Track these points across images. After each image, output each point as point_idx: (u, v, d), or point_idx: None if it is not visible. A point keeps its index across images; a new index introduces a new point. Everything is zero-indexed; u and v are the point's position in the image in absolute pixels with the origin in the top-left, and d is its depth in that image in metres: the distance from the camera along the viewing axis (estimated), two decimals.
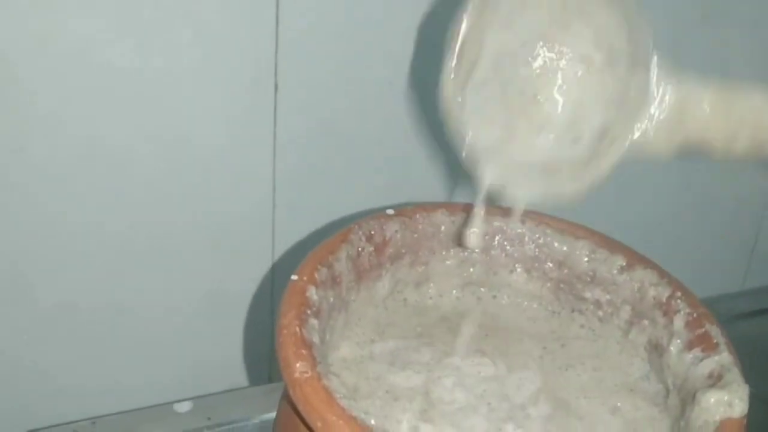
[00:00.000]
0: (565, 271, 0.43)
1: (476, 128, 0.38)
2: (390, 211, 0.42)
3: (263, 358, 0.63)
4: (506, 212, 0.44)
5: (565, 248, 0.43)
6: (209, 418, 0.55)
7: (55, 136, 0.50)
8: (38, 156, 0.50)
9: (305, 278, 0.37)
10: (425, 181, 0.61)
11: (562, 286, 0.44)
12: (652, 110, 0.37)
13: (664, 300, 0.40)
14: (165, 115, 0.52)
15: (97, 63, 0.49)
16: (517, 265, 0.44)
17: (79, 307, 0.56)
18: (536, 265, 0.44)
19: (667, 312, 0.40)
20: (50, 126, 0.50)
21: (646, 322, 0.41)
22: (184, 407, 0.56)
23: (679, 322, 0.39)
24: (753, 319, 0.73)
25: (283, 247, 0.59)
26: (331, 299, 0.38)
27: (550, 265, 0.44)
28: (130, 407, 0.58)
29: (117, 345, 0.58)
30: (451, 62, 0.37)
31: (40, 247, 0.53)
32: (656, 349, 0.40)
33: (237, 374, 0.62)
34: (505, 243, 0.44)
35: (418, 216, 0.43)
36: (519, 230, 0.44)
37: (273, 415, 0.55)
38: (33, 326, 0.55)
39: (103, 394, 0.59)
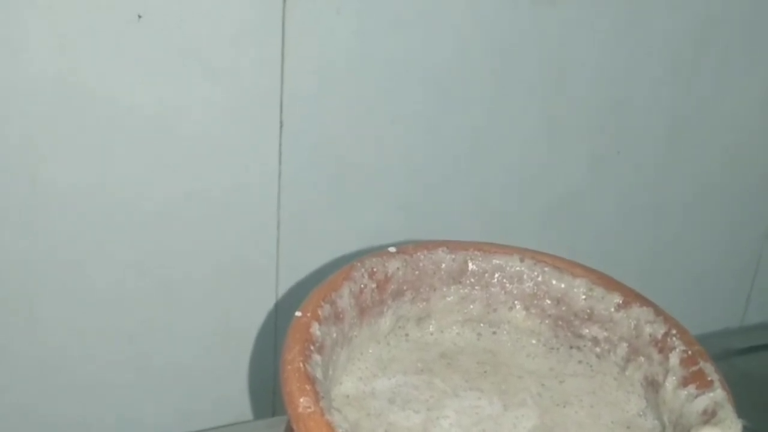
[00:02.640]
0: (563, 308, 0.44)
1: None
2: (392, 249, 0.43)
3: (267, 392, 0.63)
4: (505, 250, 0.45)
5: (562, 286, 0.44)
6: None
7: (63, 169, 0.51)
8: (47, 189, 0.52)
9: (309, 314, 0.38)
10: (427, 218, 0.62)
11: (560, 323, 0.45)
12: None
13: (659, 337, 0.41)
14: (171, 150, 0.53)
15: (104, 99, 0.51)
16: (516, 302, 0.45)
17: (84, 341, 0.56)
18: (535, 302, 0.45)
19: (663, 349, 0.41)
20: (59, 159, 0.51)
21: (642, 358, 0.42)
22: None
23: (674, 359, 0.40)
24: (752, 354, 0.74)
25: (286, 282, 0.60)
26: (335, 335, 0.39)
27: (549, 302, 0.45)
28: None
29: (121, 378, 0.58)
30: None
31: (47, 278, 0.54)
32: (652, 386, 0.41)
33: (241, 408, 0.63)
34: (504, 280, 0.45)
35: (419, 254, 0.44)
36: (518, 268, 0.45)
37: None
38: (39, 359, 0.56)
39: (107, 428, 0.59)
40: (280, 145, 0.56)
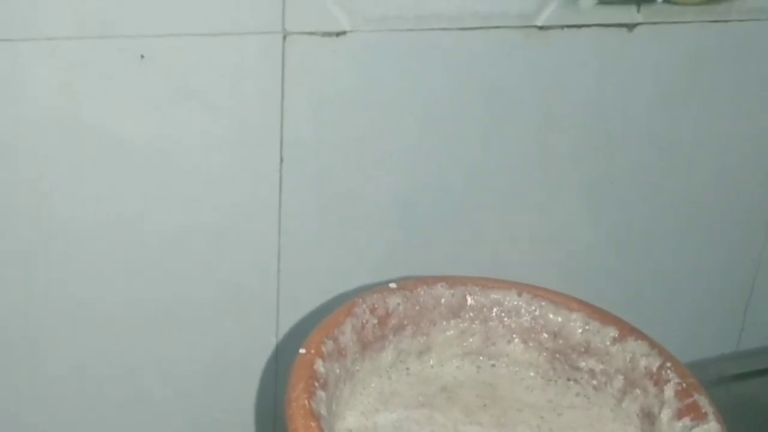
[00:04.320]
0: (560, 341, 0.45)
1: None
2: (393, 285, 0.44)
3: (267, 424, 0.64)
4: (503, 285, 0.46)
5: (559, 320, 0.45)
6: None
7: (64, 204, 0.52)
8: (49, 224, 0.52)
9: (313, 351, 0.39)
10: (424, 252, 0.63)
11: (557, 356, 0.46)
12: None
13: (654, 370, 0.42)
14: (172, 186, 0.54)
15: (107, 136, 0.51)
16: (514, 336, 0.46)
17: (87, 372, 0.57)
18: (532, 335, 0.46)
19: (658, 382, 0.42)
20: (61, 194, 0.52)
21: (638, 391, 0.43)
22: None
23: (669, 391, 0.41)
24: (747, 380, 0.74)
25: (286, 315, 0.60)
26: (338, 371, 0.40)
27: (546, 335, 0.46)
28: None
29: (120, 411, 0.59)
30: None
31: (48, 313, 0.54)
32: (648, 417, 0.42)
33: None
34: (503, 314, 0.46)
35: (419, 289, 0.45)
36: (515, 302, 0.46)
37: None
38: (40, 390, 0.56)
39: None
40: (281, 180, 0.57)
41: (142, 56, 0.51)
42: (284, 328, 0.61)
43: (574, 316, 0.45)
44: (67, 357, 0.56)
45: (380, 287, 0.44)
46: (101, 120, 0.51)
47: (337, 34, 0.55)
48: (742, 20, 0.66)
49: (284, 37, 0.53)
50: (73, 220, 0.53)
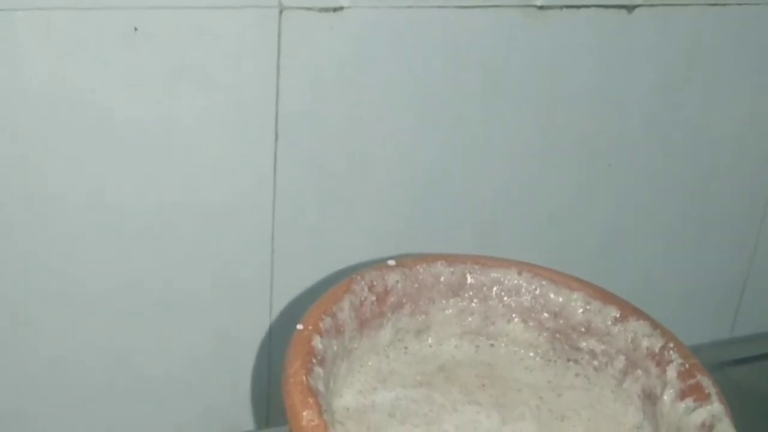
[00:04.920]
0: (561, 321, 0.45)
1: None
2: (391, 262, 0.43)
3: (262, 404, 0.63)
4: (503, 264, 0.45)
5: (560, 299, 0.45)
6: None
7: (57, 180, 0.51)
8: (41, 202, 0.51)
9: (310, 327, 0.38)
10: (420, 232, 0.62)
11: (557, 336, 0.45)
12: None
13: (656, 350, 0.42)
14: (166, 163, 0.53)
15: (100, 111, 0.51)
16: (514, 315, 0.45)
17: (80, 355, 0.56)
18: (533, 315, 0.45)
19: (660, 362, 0.41)
20: (53, 171, 0.51)
21: (639, 371, 0.42)
22: None
23: (671, 372, 0.41)
24: (741, 366, 0.74)
25: (280, 294, 0.60)
26: (335, 348, 0.39)
27: (546, 315, 0.45)
28: None
29: (115, 392, 0.58)
30: None
31: (40, 292, 0.54)
32: (650, 398, 0.41)
33: (235, 420, 0.63)
34: (503, 293, 0.45)
35: (418, 267, 0.44)
36: (516, 281, 0.45)
37: None
38: (34, 374, 0.56)
39: None
40: (275, 158, 0.56)
41: (136, 29, 0.50)
42: (278, 309, 0.60)
43: (575, 295, 0.44)
44: (59, 336, 0.55)
45: (379, 264, 0.43)
46: (92, 94, 0.50)
47: (335, 10, 0.54)
48: (741, 4, 0.66)
49: (280, 12, 0.52)
50: (64, 195, 0.52)
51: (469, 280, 0.45)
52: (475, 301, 0.45)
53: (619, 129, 0.66)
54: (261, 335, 0.60)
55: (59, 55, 0.49)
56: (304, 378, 0.35)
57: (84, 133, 0.51)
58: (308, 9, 0.53)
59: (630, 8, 0.62)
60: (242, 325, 0.60)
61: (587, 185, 0.67)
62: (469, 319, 0.45)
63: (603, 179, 0.67)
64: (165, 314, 0.57)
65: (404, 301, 0.43)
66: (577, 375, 0.44)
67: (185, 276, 0.57)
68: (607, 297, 0.44)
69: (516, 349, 0.45)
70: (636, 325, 0.43)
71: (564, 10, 0.60)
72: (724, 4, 0.65)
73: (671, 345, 0.41)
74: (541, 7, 0.59)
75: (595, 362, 0.44)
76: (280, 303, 0.60)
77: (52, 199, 0.52)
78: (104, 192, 0.53)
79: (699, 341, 0.75)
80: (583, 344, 0.44)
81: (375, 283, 0.42)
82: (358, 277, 0.42)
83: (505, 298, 0.45)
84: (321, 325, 0.38)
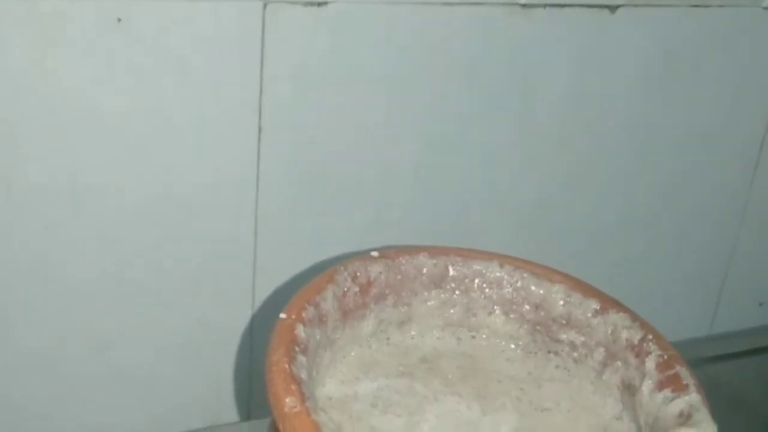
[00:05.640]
0: (542, 313, 0.45)
1: None
2: (374, 254, 0.44)
3: (243, 395, 0.63)
4: (485, 256, 0.45)
5: (541, 292, 0.45)
6: None
7: (38, 175, 0.51)
8: (21, 190, 0.51)
9: (294, 316, 0.38)
10: (407, 223, 0.62)
11: (538, 328, 0.45)
12: None
13: (636, 342, 0.42)
14: (149, 155, 0.53)
15: (81, 101, 0.50)
16: (495, 307, 0.46)
17: (61, 345, 0.56)
18: (514, 307, 0.45)
19: (639, 354, 0.42)
20: (33, 159, 0.51)
21: (619, 363, 0.43)
22: None
23: (650, 363, 0.41)
24: (718, 363, 0.75)
25: (263, 285, 0.60)
26: (318, 337, 0.39)
27: (527, 307, 0.45)
28: None
29: (95, 382, 0.58)
30: None
31: (20, 281, 0.53)
32: (629, 390, 0.42)
33: (216, 411, 0.63)
34: (484, 286, 0.46)
35: (401, 258, 0.44)
36: (497, 274, 0.45)
37: None
38: (14, 364, 0.55)
39: (83, 430, 0.59)
40: (259, 149, 0.56)
41: (119, 19, 0.50)
42: (260, 298, 0.60)
43: (555, 288, 0.45)
44: (39, 325, 0.55)
45: (362, 255, 0.43)
46: (75, 84, 0.50)
47: (319, 4, 0.54)
48: (722, 6, 0.67)
49: (264, 5, 0.52)
50: (44, 184, 0.52)
51: (452, 272, 0.45)
52: (457, 293, 0.45)
53: (600, 127, 0.67)
54: (243, 325, 0.61)
55: (41, 45, 0.48)
56: (287, 366, 0.35)
57: (65, 122, 0.51)
58: (293, 3, 0.53)
59: (613, 8, 0.63)
60: (224, 316, 0.60)
61: (568, 181, 0.67)
62: (451, 311, 0.46)
63: (584, 175, 0.68)
64: (146, 304, 0.57)
65: (387, 292, 0.44)
66: (557, 367, 0.45)
67: (167, 265, 0.57)
68: (587, 290, 0.44)
69: (497, 341, 0.46)
70: (616, 318, 0.43)
71: (547, 8, 0.61)
72: (706, 6, 0.66)
73: (650, 337, 0.42)
74: (524, 5, 0.60)
75: (575, 354, 0.44)
76: (263, 293, 0.60)
77: (31, 188, 0.51)
78: (85, 181, 0.52)
79: (678, 338, 0.75)
80: (564, 336, 0.45)
81: (358, 274, 0.42)
82: (342, 268, 0.42)
83: (487, 290, 0.45)
84: (304, 315, 0.38)
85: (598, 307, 0.44)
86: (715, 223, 0.75)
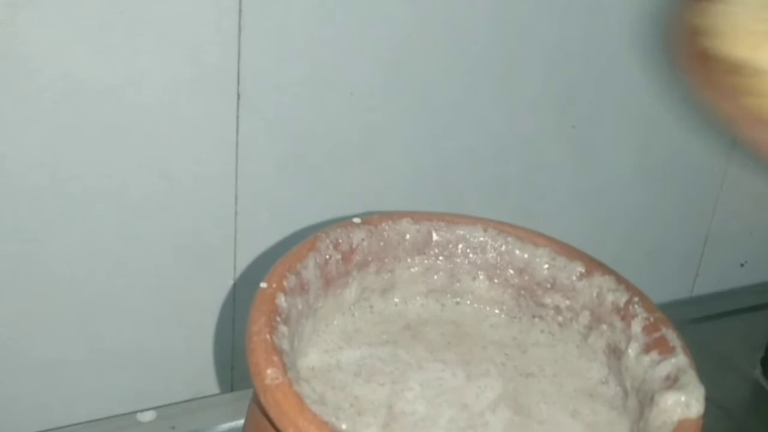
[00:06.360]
0: (526, 278, 0.45)
1: None
2: (356, 220, 0.43)
3: (225, 368, 0.63)
4: (469, 221, 0.45)
5: (525, 256, 0.44)
6: (173, 428, 0.55)
7: (13, 144, 0.50)
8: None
9: (274, 285, 0.37)
10: (389, 190, 0.62)
11: (522, 292, 0.45)
12: None
13: (621, 305, 0.42)
14: (124, 124, 0.52)
15: (55, 71, 0.49)
16: (479, 272, 0.45)
17: (38, 319, 0.55)
18: (498, 272, 0.45)
19: (625, 317, 0.41)
20: (7, 134, 0.50)
21: (604, 326, 0.42)
22: (147, 416, 0.56)
23: (636, 326, 0.41)
24: (701, 324, 0.75)
25: (244, 257, 0.59)
26: (300, 306, 0.39)
27: (512, 272, 0.45)
28: (92, 417, 0.57)
29: (76, 356, 0.57)
30: None
31: (4, 255, 0.52)
32: (614, 353, 0.42)
33: (199, 384, 0.62)
34: (468, 251, 0.45)
35: (384, 225, 0.43)
36: (481, 238, 0.45)
37: (237, 423, 0.55)
38: None
39: (64, 404, 0.58)
40: (238, 117, 0.55)
41: None
42: (241, 269, 0.59)
43: (540, 251, 0.44)
44: (19, 301, 0.54)
45: (344, 222, 0.42)
46: (49, 53, 0.49)
47: None
48: None
49: None
50: (20, 160, 0.50)
51: (435, 237, 0.45)
52: (440, 258, 0.45)
53: (581, 90, 0.66)
54: (224, 296, 0.60)
55: (12, 13, 0.47)
56: (268, 336, 0.35)
57: (38, 95, 0.49)
58: None
59: None
60: (205, 290, 0.59)
61: (552, 143, 0.67)
62: (435, 277, 0.45)
63: (565, 141, 0.67)
64: (126, 276, 0.56)
65: (369, 259, 0.43)
66: (542, 331, 0.44)
67: (145, 239, 0.56)
68: (572, 253, 0.44)
69: (481, 306, 0.45)
70: (601, 281, 0.43)
71: None
72: None
73: (636, 299, 0.41)
74: None
75: (560, 318, 0.44)
76: (244, 264, 0.59)
77: (7, 165, 0.50)
78: (60, 156, 0.51)
79: (659, 300, 0.75)
80: (548, 300, 0.44)
81: (340, 241, 0.42)
82: (323, 235, 0.41)
83: (471, 255, 0.45)
84: (285, 284, 0.38)
85: (583, 270, 0.43)
86: (695, 184, 0.75)
